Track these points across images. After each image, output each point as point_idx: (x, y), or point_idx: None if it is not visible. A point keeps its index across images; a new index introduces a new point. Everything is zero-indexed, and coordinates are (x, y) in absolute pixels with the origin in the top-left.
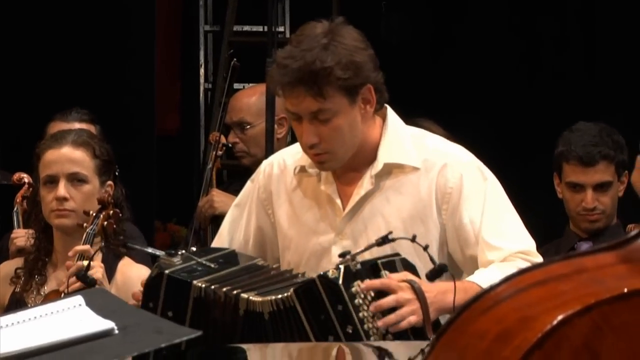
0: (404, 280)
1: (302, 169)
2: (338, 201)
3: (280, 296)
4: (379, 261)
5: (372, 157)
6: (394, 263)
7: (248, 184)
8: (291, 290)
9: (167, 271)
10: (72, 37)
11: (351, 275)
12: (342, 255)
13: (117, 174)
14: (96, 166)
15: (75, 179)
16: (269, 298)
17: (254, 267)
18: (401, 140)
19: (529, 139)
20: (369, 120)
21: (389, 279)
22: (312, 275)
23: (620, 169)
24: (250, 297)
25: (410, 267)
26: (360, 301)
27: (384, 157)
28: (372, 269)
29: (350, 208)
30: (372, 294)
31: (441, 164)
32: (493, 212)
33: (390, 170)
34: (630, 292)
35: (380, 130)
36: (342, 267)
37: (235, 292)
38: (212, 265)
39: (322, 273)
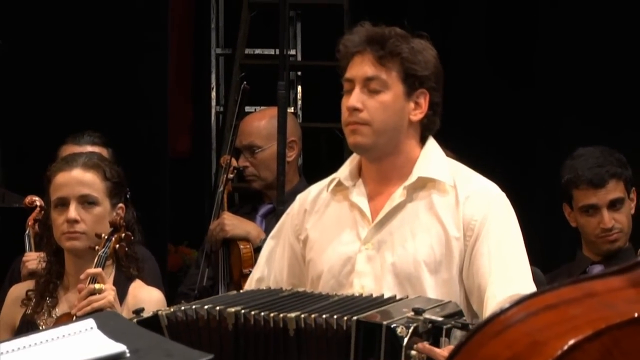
0: None
1: (339, 183)
2: (367, 211)
3: (335, 316)
4: (445, 327)
5: (407, 172)
6: (456, 332)
7: (284, 216)
8: (354, 318)
9: (134, 320)
10: (85, 59)
11: (416, 335)
12: (415, 311)
13: (128, 196)
14: (107, 188)
15: (86, 202)
16: (294, 314)
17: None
18: (438, 160)
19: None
20: (412, 135)
21: (446, 350)
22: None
23: (629, 185)
24: (243, 311)
25: None
26: None
27: (419, 170)
28: (435, 331)
29: (380, 219)
30: (425, 358)
31: (471, 190)
32: (510, 249)
33: (424, 184)
34: None
35: (419, 150)
36: (412, 326)
37: (218, 308)
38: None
39: (392, 325)
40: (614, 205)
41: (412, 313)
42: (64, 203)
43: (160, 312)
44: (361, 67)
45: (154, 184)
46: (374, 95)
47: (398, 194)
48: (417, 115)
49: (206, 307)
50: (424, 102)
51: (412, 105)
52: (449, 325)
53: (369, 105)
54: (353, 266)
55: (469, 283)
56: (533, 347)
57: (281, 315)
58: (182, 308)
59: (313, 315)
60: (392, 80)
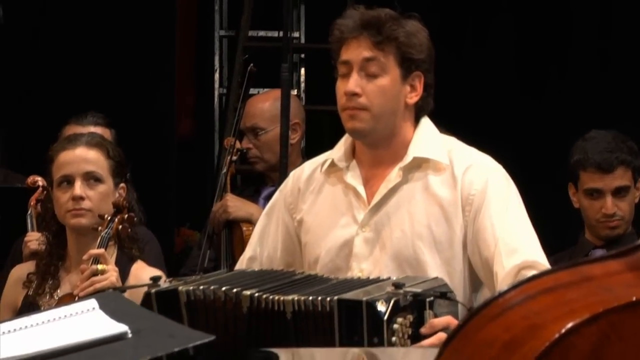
0: (444, 328)
1: (332, 163)
2: (363, 194)
3: (312, 298)
4: (427, 299)
5: (402, 153)
6: (440, 303)
7: (277, 193)
8: (336, 297)
9: (153, 290)
10: (90, 41)
11: (398, 310)
12: (395, 285)
13: (128, 177)
14: (110, 167)
15: (91, 179)
16: (291, 297)
17: (246, 272)
18: (432, 139)
19: (539, 148)
20: (407, 117)
21: (431, 324)
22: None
23: (636, 174)
24: (257, 294)
25: (454, 307)
26: (397, 340)
27: (414, 151)
28: (418, 304)
29: (377, 202)
30: (410, 332)
31: (468, 164)
32: (513, 219)
33: (419, 164)
34: (639, 300)
35: (413, 131)
36: (392, 300)
37: (234, 290)
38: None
39: (371, 301)
40: (619, 192)
41: (392, 288)
42: (68, 181)
43: (180, 288)
44: (358, 50)
45: (159, 167)
46: (372, 80)
47: (394, 175)
48: (413, 98)
49: (224, 288)
50: (419, 84)
51: (408, 88)
52: (431, 298)
53: (368, 90)
54: (351, 250)
55: (475, 259)
56: (531, 330)
57: (282, 298)
58: (201, 287)
59: (303, 298)
60: (389, 63)
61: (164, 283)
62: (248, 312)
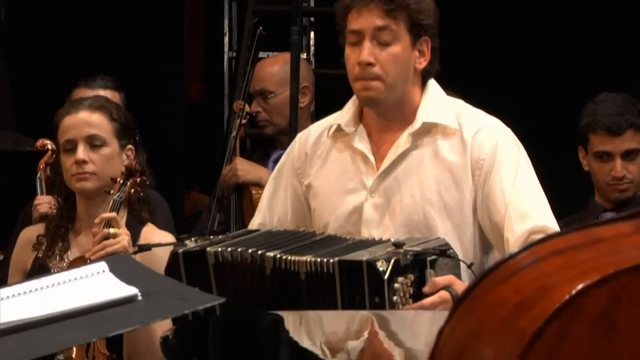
0: (446, 286)
1: (338, 128)
2: (372, 159)
3: (320, 259)
4: (428, 258)
5: (411, 118)
6: (442, 262)
7: (283, 156)
8: (336, 259)
9: (180, 250)
10: (100, 4)
11: (398, 269)
12: (395, 245)
13: (137, 138)
14: (114, 129)
15: (94, 142)
16: (305, 258)
17: (271, 233)
18: (440, 103)
19: (550, 113)
20: (415, 82)
21: (432, 283)
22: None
23: None
24: (279, 255)
25: (456, 268)
26: (398, 299)
27: (422, 116)
28: (419, 264)
29: (386, 167)
30: (412, 292)
31: (477, 128)
32: (523, 184)
33: (428, 129)
34: None
35: (421, 95)
36: (392, 260)
37: (260, 252)
38: (225, 239)
39: (372, 261)
40: (628, 155)
41: (393, 247)
42: (72, 145)
43: (208, 249)
44: (370, 18)
45: (169, 130)
46: (385, 48)
47: (403, 141)
48: (422, 63)
49: (250, 250)
50: (427, 49)
51: (417, 53)
52: (431, 257)
53: (381, 59)
54: (360, 215)
55: (485, 223)
56: (541, 291)
57: (297, 259)
58: (229, 249)
59: (313, 259)
60: (400, 31)
61: (191, 243)
62: (271, 273)
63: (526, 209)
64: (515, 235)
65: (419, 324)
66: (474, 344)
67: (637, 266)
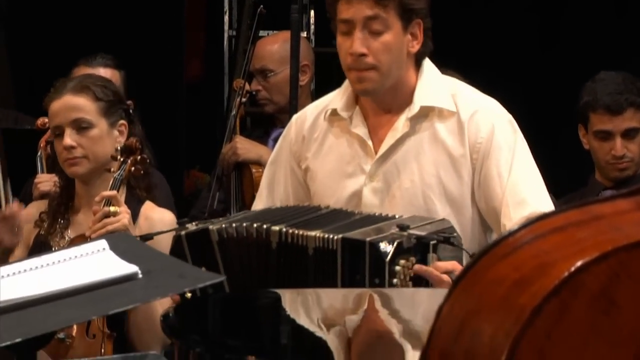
0: (448, 271)
1: (334, 112)
2: (370, 143)
3: (327, 235)
4: (431, 242)
5: (407, 101)
6: (444, 246)
7: (280, 140)
8: (340, 236)
9: (182, 232)
10: None
11: (401, 251)
12: (400, 226)
13: (131, 111)
14: (100, 109)
15: (80, 125)
16: (314, 233)
17: (276, 208)
18: (437, 85)
19: (549, 91)
20: (409, 63)
21: (434, 267)
22: None
23: None
24: (284, 229)
25: (458, 252)
26: (398, 281)
27: (420, 100)
28: (422, 247)
29: (384, 151)
30: (412, 274)
31: (473, 110)
32: (520, 169)
33: (426, 113)
34: None
35: (416, 77)
36: (396, 242)
37: (265, 226)
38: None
39: (375, 241)
40: (629, 134)
41: (397, 229)
42: (60, 131)
43: (211, 227)
44: (360, 8)
45: (169, 109)
46: (376, 37)
47: (401, 125)
48: (415, 46)
49: (255, 225)
50: (419, 31)
51: (409, 37)
52: (434, 241)
53: (373, 48)
54: (360, 200)
55: (482, 206)
56: (540, 268)
57: (305, 233)
58: (233, 225)
59: (323, 235)
60: (391, 18)
61: (192, 226)
62: (277, 247)
63: (523, 195)
64: (511, 222)
65: (418, 301)
66: (473, 322)
67: (637, 243)
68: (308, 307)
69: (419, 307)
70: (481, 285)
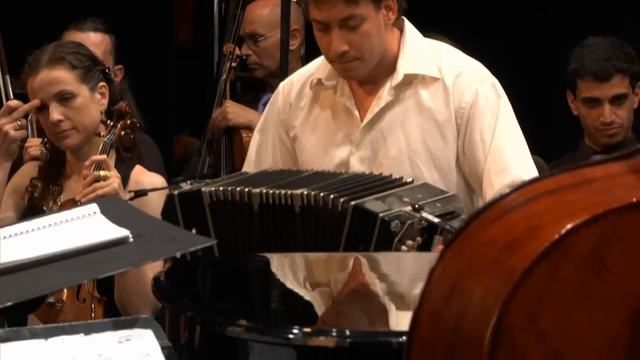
0: None
1: (319, 82)
2: (356, 112)
3: (326, 194)
4: (440, 227)
5: (391, 69)
6: (452, 231)
7: (267, 107)
8: (353, 203)
9: (175, 192)
10: None
11: (410, 233)
12: (413, 207)
13: (107, 71)
14: (78, 77)
15: (63, 98)
16: (300, 191)
17: (265, 173)
18: (420, 51)
19: (541, 54)
20: (389, 32)
21: (437, 250)
22: None
23: (634, 80)
24: (265, 191)
25: None
26: None
27: (403, 68)
28: (431, 230)
29: (370, 119)
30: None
31: (457, 73)
32: (503, 135)
33: (410, 81)
34: (639, 202)
35: (398, 42)
36: (407, 223)
37: (247, 189)
38: (219, 180)
39: (387, 218)
40: (617, 100)
41: (410, 209)
42: (43, 106)
43: (203, 189)
44: (334, 9)
45: (158, 73)
46: (355, 30)
47: (385, 93)
48: (391, 18)
49: (238, 188)
50: (392, 1)
51: (384, 12)
52: (444, 226)
53: (355, 41)
54: (348, 169)
55: (466, 170)
56: (531, 231)
57: (290, 192)
58: (221, 188)
59: (313, 193)
60: (365, 8)
61: (186, 185)
62: (259, 210)
63: (505, 162)
64: (493, 189)
65: (403, 264)
66: (464, 284)
67: (627, 206)
68: (296, 270)
69: (404, 269)
70: (472, 248)
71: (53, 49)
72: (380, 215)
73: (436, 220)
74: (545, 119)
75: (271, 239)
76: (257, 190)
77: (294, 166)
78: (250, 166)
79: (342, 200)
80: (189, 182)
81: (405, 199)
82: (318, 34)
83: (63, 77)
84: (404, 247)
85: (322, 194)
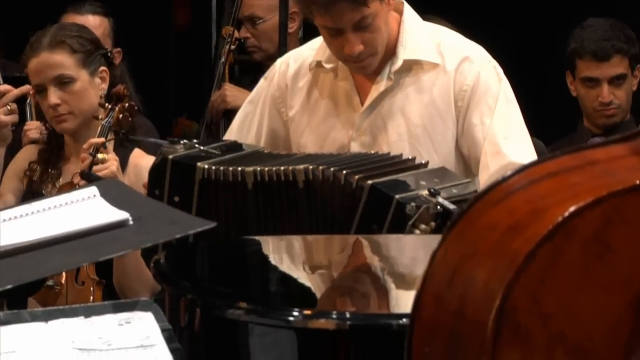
0: None
1: (319, 64)
2: (356, 97)
3: (344, 171)
4: (455, 212)
5: (391, 53)
6: None
7: (261, 81)
8: (370, 182)
9: (170, 156)
10: None
11: (424, 217)
12: (430, 192)
13: (110, 54)
14: (78, 61)
15: (62, 82)
16: (303, 166)
17: (260, 153)
18: (420, 36)
19: (538, 35)
20: (389, 16)
21: None
22: None
23: (633, 62)
24: (260, 168)
25: None
26: None
27: (403, 53)
28: (443, 215)
29: (369, 104)
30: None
31: (459, 60)
32: (503, 118)
33: (410, 66)
34: None
35: (398, 26)
36: (422, 207)
37: (240, 168)
38: (216, 152)
39: (403, 200)
40: (616, 80)
41: (427, 193)
42: (42, 89)
43: (199, 164)
44: (344, 16)
45: (157, 56)
46: (368, 29)
47: (385, 78)
48: (391, 3)
49: (231, 168)
50: None
51: (385, 1)
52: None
53: (368, 39)
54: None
55: (464, 151)
56: (534, 214)
57: (290, 167)
58: (214, 167)
59: (321, 168)
60: (374, 5)
61: (180, 148)
62: (253, 188)
63: (502, 145)
64: (489, 171)
65: (404, 245)
66: (467, 267)
67: (630, 188)
68: (295, 253)
69: (405, 251)
70: (475, 230)
71: (55, 32)
72: (397, 197)
73: (452, 206)
74: (542, 101)
75: (269, 219)
76: (251, 168)
77: (277, 144)
78: (231, 135)
79: (357, 177)
80: (182, 142)
81: (422, 182)
82: (327, 38)
83: (63, 61)
84: (416, 231)
85: (332, 169)
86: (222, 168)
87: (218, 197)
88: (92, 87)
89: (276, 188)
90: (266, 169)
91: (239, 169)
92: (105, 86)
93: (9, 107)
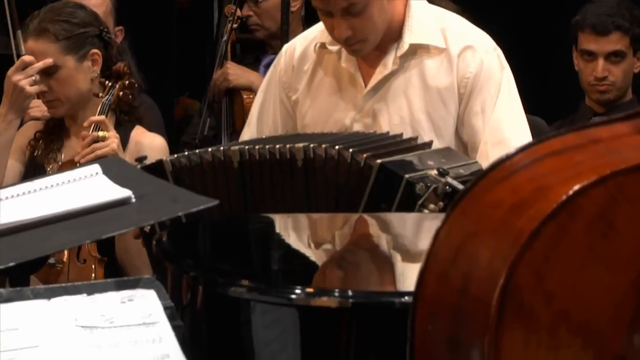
0: None
1: (323, 46)
2: (360, 79)
3: (342, 147)
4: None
5: (396, 36)
6: None
7: (271, 69)
8: (379, 161)
9: (139, 166)
10: None
11: (433, 197)
12: (439, 172)
13: (104, 32)
14: (63, 48)
15: (47, 70)
16: (302, 144)
17: (262, 139)
18: (426, 20)
19: (545, 13)
20: (392, 2)
21: None
22: None
23: (637, 43)
24: (248, 147)
25: None
26: None
27: (409, 37)
28: (451, 195)
29: (373, 86)
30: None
31: (463, 45)
32: (504, 107)
33: (415, 50)
34: None
35: (404, 8)
36: (432, 187)
37: (222, 148)
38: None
39: (412, 179)
40: (613, 56)
41: (436, 172)
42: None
43: (164, 159)
44: (333, 2)
45: (159, 35)
46: (358, 16)
47: (389, 62)
48: None
49: (210, 149)
50: None
51: None
52: None
53: (358, 26)
54: None
55: (465, 138)
56: (538, 192)
57: (288, 146)
58: (186, 154)
59: (324, 146)
60: None
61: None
62: (239, 166)
63: (503, 134)
64: (488, 160)
65: (406, 223)
66: (470, 245)
67: (634, 167)
68: (298, 230)
69: (409, 229)
70: (478, 208)
71: (41, 17)
72: (407, 176)
73: (460, 186)
74: (546, 79)
75: (258, 198)
76: (236, 147)
77: (293, 129)
78: (251, 126)
79: (365, 156)
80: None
81: (430, 162)
82: (323, 18)
83: (45, 49)
84: (425, 211)
85: (337, 147)
86: (186, 153)
87: (206, 179)
88: (79, 72)
89: (267, 167)
90: (256, 147)
91: (221, 149)
92: (97, 68)
93: (34, 78)
